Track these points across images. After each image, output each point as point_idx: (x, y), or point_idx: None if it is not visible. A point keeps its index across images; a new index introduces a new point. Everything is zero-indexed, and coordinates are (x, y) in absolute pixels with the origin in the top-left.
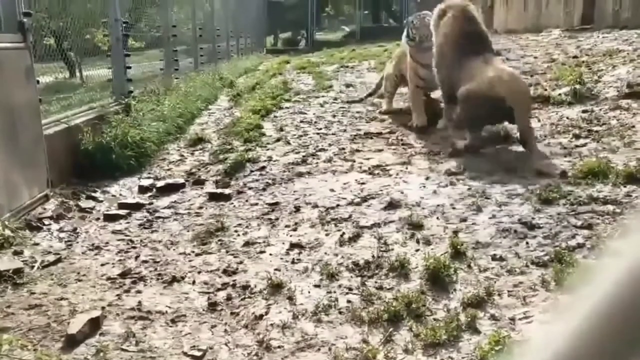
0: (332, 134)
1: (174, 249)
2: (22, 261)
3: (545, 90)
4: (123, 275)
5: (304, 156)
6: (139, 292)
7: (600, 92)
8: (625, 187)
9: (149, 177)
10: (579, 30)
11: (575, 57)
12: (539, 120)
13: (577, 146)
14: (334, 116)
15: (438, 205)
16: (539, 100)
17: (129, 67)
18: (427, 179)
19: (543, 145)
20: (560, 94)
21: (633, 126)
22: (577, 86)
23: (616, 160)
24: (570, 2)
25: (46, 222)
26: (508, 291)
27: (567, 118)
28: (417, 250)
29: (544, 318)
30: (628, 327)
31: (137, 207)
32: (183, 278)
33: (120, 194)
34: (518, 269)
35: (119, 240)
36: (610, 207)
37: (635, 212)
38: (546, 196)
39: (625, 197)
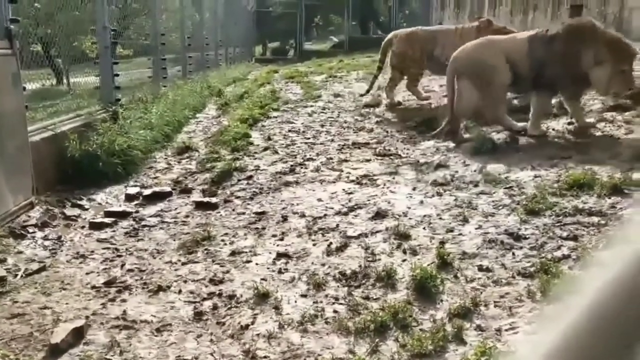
0: (320, 144)
1: (160, 258)
2: (6, 269)
3: None
4: (108, 284)
5: (291, 165)
6: (124, 301)
7: (585, 105)
8: (610, 198)
9: (135, 185)
10: None
11: None
12: (525, 132)
13: (563, 157)
14: (322, 126)
15: (425, 216)
16: (526, 111)
17: (117, 75)
18: (414, 189)
19: (530, 156)
20: None
21: (618, 138)
22: None
23: (601, 171)
24: (555, 16)
25: (30, 230)
26: (494, 302)
27: (553, 130)
28: (403, 261)
29: (530, 329)
30: (613, 335)
31: (123, 215)
32: (169, 287)
33: (107, 202)
34: (504, 280)
35: (104, 248)
36: (595, 219)
37: (619, 223)
38: (532, 207)
39: (610, 209)
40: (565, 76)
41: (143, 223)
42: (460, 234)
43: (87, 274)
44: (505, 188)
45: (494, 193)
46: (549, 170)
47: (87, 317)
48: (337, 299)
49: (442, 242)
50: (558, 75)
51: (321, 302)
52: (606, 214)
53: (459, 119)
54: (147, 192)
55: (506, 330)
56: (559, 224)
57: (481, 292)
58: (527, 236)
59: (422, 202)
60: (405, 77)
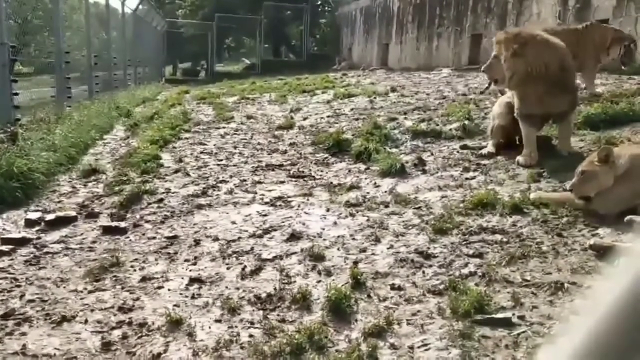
0: (233, 165)
1: (64, 287)
2: None
3: (437, 125)
4: (5, 316)
5: (204, 188)
6: (23, 334)
7: (486, 128)
8: (511, 217)
9: (37, 210)
10: (466, 69)
11: (464, 94)
12: (431, 154)
13: (467, 179)
14: (235, 147)
15: (338, 237)
16: (431, 134)
17: (16, 94)
18: (327, 210)
19: (437, 177)
20: (451, 129)
21: (515, 160)
22: (466, 122)
23: (502, 192)
24: (457, 44)
25: None
26: (407, 320)
27: (458, 152)
28: (318, 282)
29: (440, 345)
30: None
31: (22, 242)
32: (74, 317)
33: (4, 229)
34: (416, 298)
35: (1, 278)
36: (498, 236)
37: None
38: (440, 226)
39: (512, 227)
40: None
41: (45, 250)
42: (372, 254)
43: None
44: (415, 208)
45: (403, 213)
46: (455, 190)
47: None
48: (252, 323)
49: (356, 262)
50: None
51: (236, 326)
52: (508, 232)
53: None
54: (49, 217)
55: (418, 347)
56: (465, 242)
57: (394, 311)
58: (436, 255)
59: (335, 223)
60: None
